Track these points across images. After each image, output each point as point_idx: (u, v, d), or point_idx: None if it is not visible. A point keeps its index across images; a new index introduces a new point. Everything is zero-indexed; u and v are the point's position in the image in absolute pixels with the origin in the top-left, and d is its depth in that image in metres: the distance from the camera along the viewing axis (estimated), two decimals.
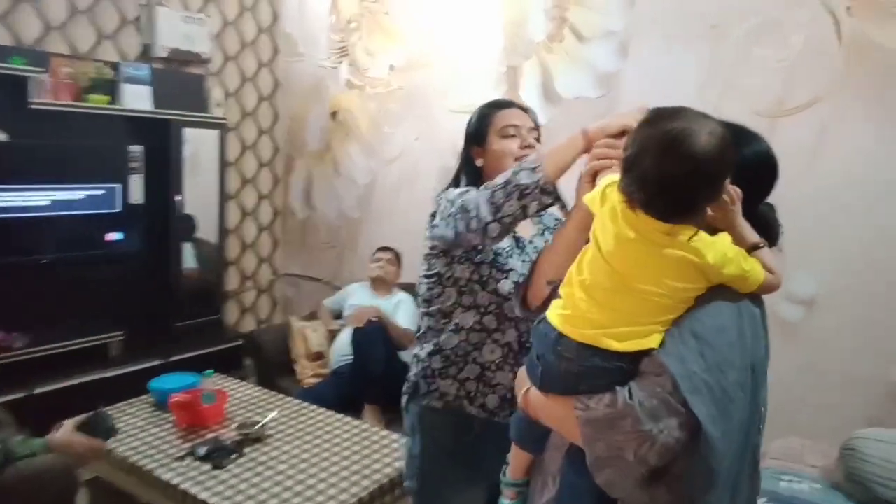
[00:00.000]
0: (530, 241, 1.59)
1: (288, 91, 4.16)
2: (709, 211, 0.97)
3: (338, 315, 3.40)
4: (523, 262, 1.53)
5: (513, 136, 1.54)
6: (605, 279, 0.99)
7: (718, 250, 0.95)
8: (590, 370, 1.01)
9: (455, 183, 1.62)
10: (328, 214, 4.02)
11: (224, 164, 3.67)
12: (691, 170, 0.90)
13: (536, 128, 1.59)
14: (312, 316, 3.53)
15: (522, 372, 1.16)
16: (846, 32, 2.32)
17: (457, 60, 3.29)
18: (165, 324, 3.45)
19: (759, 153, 1.08)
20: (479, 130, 1.58)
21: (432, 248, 1.54)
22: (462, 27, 3.27)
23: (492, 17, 3.14)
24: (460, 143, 1.63)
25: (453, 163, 1.66)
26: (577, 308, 1.03)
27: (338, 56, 3.82)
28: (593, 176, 1.15)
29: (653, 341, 0.99)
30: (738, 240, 1.00)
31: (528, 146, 1.54)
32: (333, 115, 3.88)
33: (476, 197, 1.32)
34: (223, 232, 3.74)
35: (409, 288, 3.30)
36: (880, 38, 2.25)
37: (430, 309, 1.57)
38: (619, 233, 0.97)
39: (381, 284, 3.31)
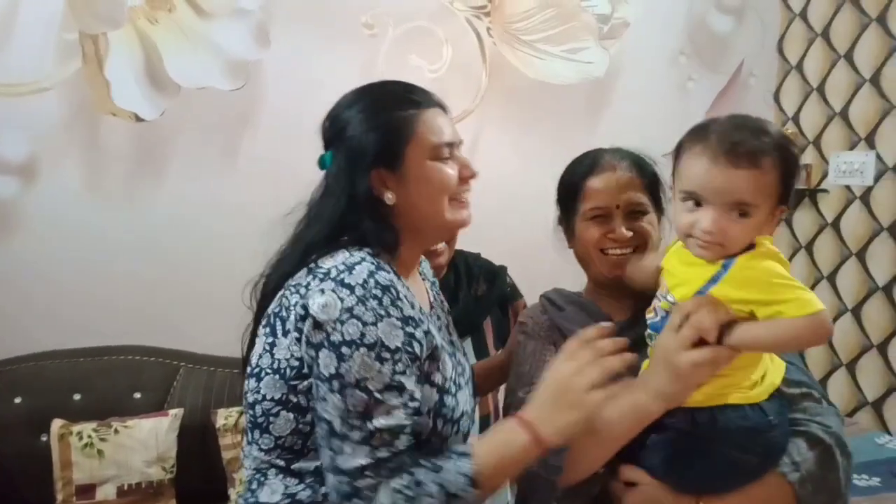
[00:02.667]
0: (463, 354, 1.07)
1: None
2: None
3: None
4: (470, 395, 0.99)
5: (447, 158, 0.97)
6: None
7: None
8: (736, 432, 0.89)
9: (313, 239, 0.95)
10: None
11: None
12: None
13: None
14: None
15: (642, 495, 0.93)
16: (488, 51, 2.49)
17: None
18: None
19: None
20: (391, 142, 0.94)
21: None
22: None
23: None
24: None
25: None
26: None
27: None
28: None
29: (781, 366, 0.95)
30: None
31: (472, 177, 1.02)
32: None
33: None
34: None
35: None
36: (512, 60, 2.51)
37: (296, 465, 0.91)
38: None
39: None
